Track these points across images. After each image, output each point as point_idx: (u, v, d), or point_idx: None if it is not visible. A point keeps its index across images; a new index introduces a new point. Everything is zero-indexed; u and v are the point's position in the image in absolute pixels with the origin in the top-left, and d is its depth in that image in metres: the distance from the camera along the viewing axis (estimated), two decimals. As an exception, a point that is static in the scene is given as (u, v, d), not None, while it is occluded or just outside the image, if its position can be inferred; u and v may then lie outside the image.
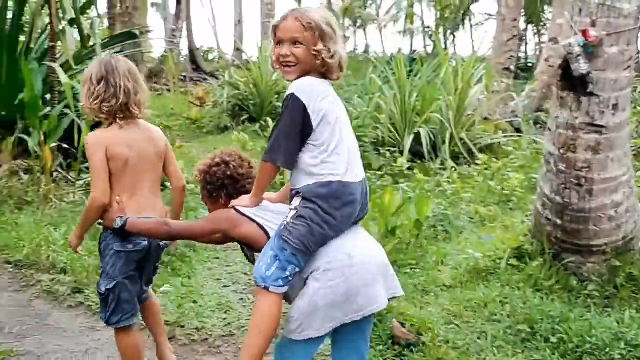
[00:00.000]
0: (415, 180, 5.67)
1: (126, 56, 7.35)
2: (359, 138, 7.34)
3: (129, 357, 2.36)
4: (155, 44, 21.51)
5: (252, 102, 10.65)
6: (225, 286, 3.65)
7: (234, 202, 2.03)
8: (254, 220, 1.96)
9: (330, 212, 1.82)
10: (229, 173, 2.09)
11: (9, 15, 6.13)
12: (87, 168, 5.32)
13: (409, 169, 6.15)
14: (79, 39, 6.50)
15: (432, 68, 8.13)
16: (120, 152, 2.26)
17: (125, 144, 2.28)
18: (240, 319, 3.18)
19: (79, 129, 5.46)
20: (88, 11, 6.94)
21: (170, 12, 19.73)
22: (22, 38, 6.49)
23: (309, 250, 1.84)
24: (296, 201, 1.87)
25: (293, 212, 1.85)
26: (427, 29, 27.77)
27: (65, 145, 5.88)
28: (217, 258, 4.17)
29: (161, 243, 2.42)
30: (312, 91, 1.85)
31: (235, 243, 2.13)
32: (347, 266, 1.84)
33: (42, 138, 5.25)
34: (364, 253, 1.90)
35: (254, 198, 1.99)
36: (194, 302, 3.35)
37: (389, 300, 1.96)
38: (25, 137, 5.35)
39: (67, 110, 5.74)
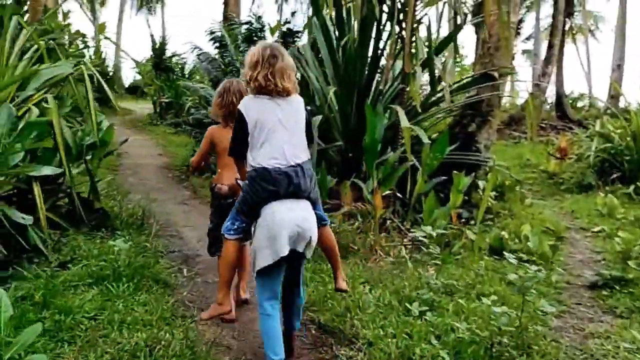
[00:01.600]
0: None
1: (480, 100, 6.37)
2: None
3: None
4: (521, 90, 20.55)
5: (627, 157, 8.70)
6: None
7: (237, 176, 3.12)
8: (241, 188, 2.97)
9: (256, 187, 2.75)
10: None
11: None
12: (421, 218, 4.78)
13: None
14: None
15: None
16: (221, 142, 3.54)
17: (226, 138, 3.10)
18: None
19: (414, 176, 4.97)
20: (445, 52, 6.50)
21: (540, 58, 18.54)
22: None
23: (243, 211, 2.87)
24: None
25: None
26: None
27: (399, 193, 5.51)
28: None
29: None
30: (247, 106, 2.83)
31: None
32: (270, 221, 2.72)
33: (377, 184, 4.93)
34: (283, 216, 2.71)
35: (240, 175, 3.03)
36: None
37: (299, 253, 2.78)
38: (358, 182, 5.12)
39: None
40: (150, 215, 5.86)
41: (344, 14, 6.38)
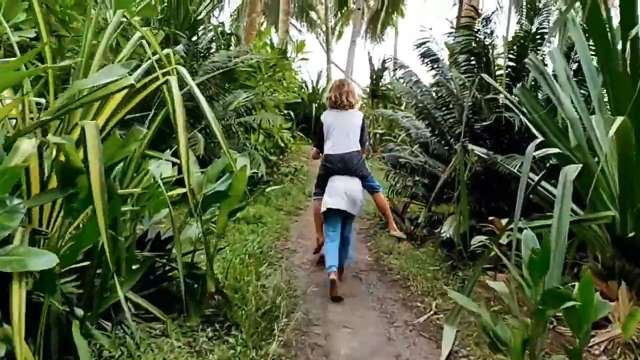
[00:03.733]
0: None
1: None
2: None
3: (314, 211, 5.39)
4: None
5: None
6: None
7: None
8: None
9: (323, 165, 4.87)
10: None
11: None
12: None
13: None
14: None
15: None
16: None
17: None
18: None
19: None
20: None
21: None
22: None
23: (318, 183, 5.02)
24: None
25: None
26: None
27: None
28: None
29: None
30: (324, 116, 5.00)
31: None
32: (330, 187, 4.71)
33: None
34: (338, 186, 4.67)
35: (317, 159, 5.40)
36: None
37: (347, 212, 4.69)
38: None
39: None
40: (287, 304, 3.95)
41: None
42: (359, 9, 28.95)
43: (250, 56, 8.01)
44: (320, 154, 5.12)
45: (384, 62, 16.24)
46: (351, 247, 5.04)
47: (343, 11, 34.29)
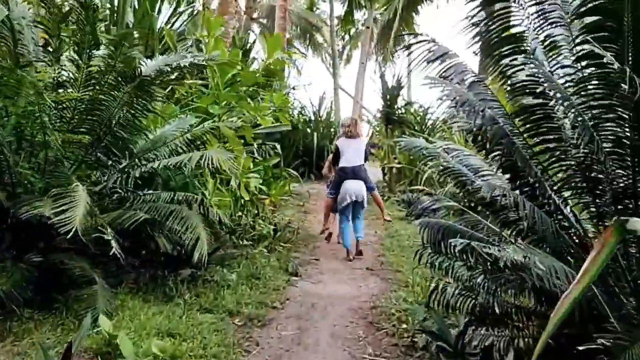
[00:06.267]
0: None
1: None
2: None
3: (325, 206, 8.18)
4: None
5: None
6: None
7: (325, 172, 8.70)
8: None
9: (339, 174, 7.43)
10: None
11: None
12: None
13: None
14: None
15: None
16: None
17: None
18: None
19: None
20: None
21: None
22: None
23: (334, 186, 7.59)
24: None
25: None
26: None
27: None
28: None
29: None
30: (339, 142, 7.66)
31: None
32: (343, 188, 7.23)
33: None
34: (349, 186, 7.19)
35: (327, 170, 8.45)
36: None
37: (356, 201, 7.20)
38: None
39: None
40: None
41: None
42: (367, 27, 26.13)
43: (190, 59, 4.86)
44: (334, 167, 7.61)
45: (399, 79, 13.12)
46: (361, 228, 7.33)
47: (351, 34, 31.58)
